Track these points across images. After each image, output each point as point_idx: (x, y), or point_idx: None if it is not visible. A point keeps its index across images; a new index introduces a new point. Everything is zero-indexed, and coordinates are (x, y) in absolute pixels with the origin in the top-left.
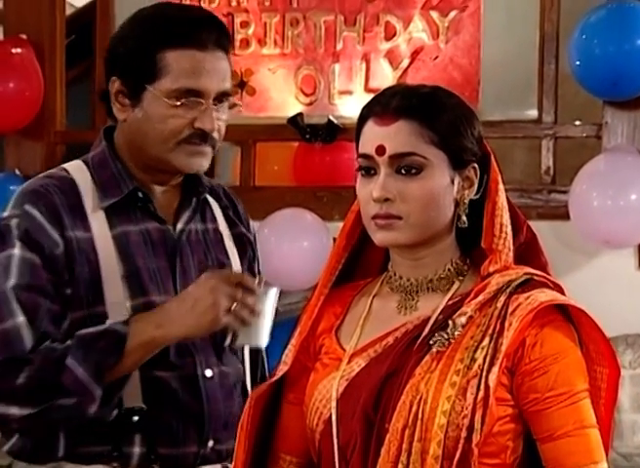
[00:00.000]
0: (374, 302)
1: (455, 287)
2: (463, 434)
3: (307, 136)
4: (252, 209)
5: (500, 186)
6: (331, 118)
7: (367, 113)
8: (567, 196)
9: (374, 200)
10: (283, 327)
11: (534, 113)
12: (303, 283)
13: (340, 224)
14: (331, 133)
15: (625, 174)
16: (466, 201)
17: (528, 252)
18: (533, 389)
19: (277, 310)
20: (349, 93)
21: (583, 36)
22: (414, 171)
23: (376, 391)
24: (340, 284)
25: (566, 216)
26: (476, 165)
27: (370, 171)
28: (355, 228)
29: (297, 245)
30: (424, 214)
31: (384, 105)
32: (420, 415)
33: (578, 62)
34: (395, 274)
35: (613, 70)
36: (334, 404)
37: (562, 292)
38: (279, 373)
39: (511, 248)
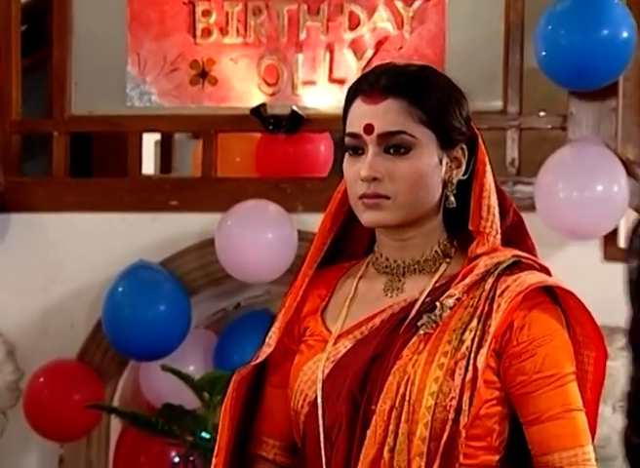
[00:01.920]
0: (359, 284)
1: (442, 269)
2: (451, 416)
3: (271, 127)
4: (213, 200)
5: (488, 168)
6: (295, 109)
7: (355, 91)
8: (532, 187)
9: (361, 179)
10: (245, 320)
11: (498, 104)
12: (267, 275)
13: (304, 216)
14: (294, 123)
15: (591, 165)
16: (454, 181)
17: (514, 234)
18: (520, 372)
19: (239, 304)
20: (313, 83)
21: (549, 26)
22: (402, 150)
23: (362, 372)
24: (324, 266)
25: (531, 208)
26: (464, 145)
27: (357, 150)
28: (341, 209)
29: (260, 237)
30: (413, 193)
31: (373, 84)
32: (407, 397)
33: (543, 53)
34: (381, 256)
35: (579, 61)
36: (319, 385)
37: (549, 274)
38: (262, 356)
39: (499, 230)
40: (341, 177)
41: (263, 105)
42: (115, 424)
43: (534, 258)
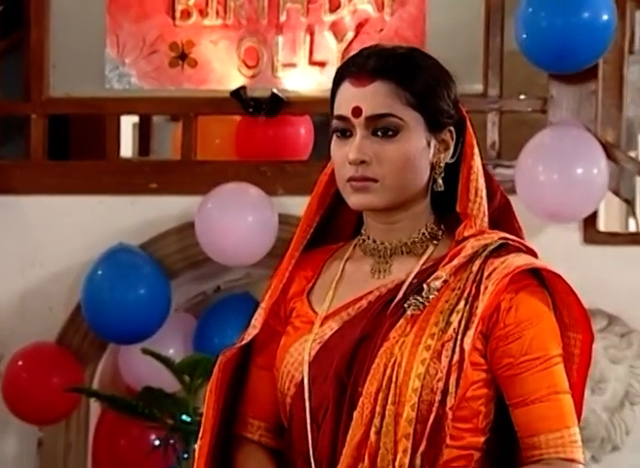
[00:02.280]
0: (346, 266)
1: (429, 251)
2: (438, 397)
3: (250, 110)
4: (193, 183)
5: (476, 150)
6: (275, 91)
7: (342, 74)
8: (513, 170)
9: (350, 162)
10: (225, 303)
11: (479, 87)
12: (248, 258)
13: (285, 199)
14: (274, 106)
15: (571, 147)
16: (442, 164)
17: (502, 217)
18: (507, 354)
19: (219, 287)
20: (293, 66)
21: (530, 9)
22: (390, 133)
23: (349, 354)
24: (310, 248)
25: (512, 191)
26: (452, 128)
27: (345, 133)
28: (327, 191)
29: (241, 220)
30: (401, 176)
31: (361, 66)
32: (394, 379)
33: (524, 35)
34: (369, 238)
35: (559, 43)
36: (306, 367)
37: (536, 256)
38: (248, 337)
39: (486, 212)
40: (322, 161)
41: (243, 88)
42: (94, 407)
43: (521, 241)
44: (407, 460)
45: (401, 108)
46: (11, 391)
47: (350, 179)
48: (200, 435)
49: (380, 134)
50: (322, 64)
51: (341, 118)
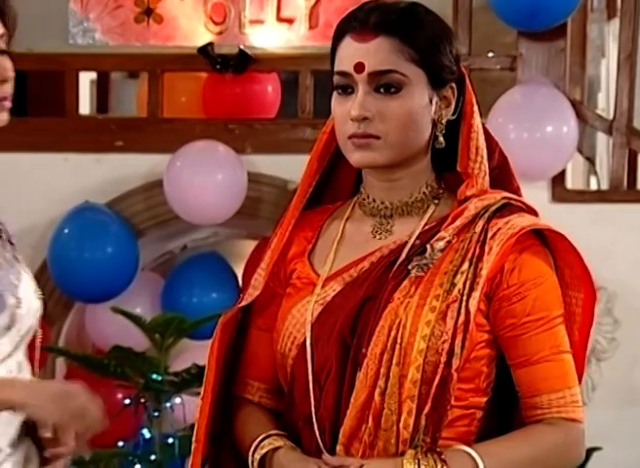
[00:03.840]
0: (347, 226)
1: (430, 210)
2: (443, 359)
3: (218, 67)
4: (161, 141)
5: (475, 108)
6: (242, 48)
7: (344, 29)
8: None
9: (352, 119)
10: (192, 262)
11: None
12: (217, 217)
13: (254, 157)
14: (242, 63)
15: (541, 105)
16: (444, 121)
17: (501, 175)
18: (510, 314)
19: (185, 246)
20: (261, 22)
21: None
22: (393, 89)
23: (352, 315)
24: (306, 208)
25: None
26: (454, 84)
27: (347, 89)
28: (327, 150)
29: (210, 178)
30: (403, 133)
31: (363, 21)
32: (398, 340)
33: None
34: (368, 197)
35: (530, 1)
36: (308, 327)
37: (537, 215)
38: (249, 298)
39: (487, 171)
40: (290, 118)
41: (211, 44)
42: (60, 366)
43: (522, 200)
44: (411, 421)
45: (404, 64)
46: None
47: (352, 136)
48: (201, 395)
49: (382, 90)
50: (290, 21)
51: (343, 74)
